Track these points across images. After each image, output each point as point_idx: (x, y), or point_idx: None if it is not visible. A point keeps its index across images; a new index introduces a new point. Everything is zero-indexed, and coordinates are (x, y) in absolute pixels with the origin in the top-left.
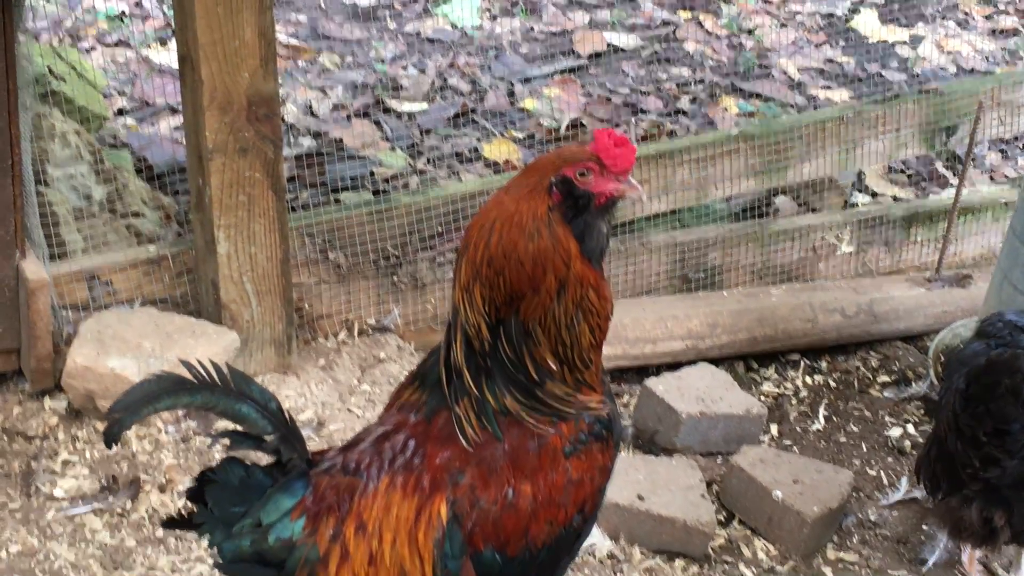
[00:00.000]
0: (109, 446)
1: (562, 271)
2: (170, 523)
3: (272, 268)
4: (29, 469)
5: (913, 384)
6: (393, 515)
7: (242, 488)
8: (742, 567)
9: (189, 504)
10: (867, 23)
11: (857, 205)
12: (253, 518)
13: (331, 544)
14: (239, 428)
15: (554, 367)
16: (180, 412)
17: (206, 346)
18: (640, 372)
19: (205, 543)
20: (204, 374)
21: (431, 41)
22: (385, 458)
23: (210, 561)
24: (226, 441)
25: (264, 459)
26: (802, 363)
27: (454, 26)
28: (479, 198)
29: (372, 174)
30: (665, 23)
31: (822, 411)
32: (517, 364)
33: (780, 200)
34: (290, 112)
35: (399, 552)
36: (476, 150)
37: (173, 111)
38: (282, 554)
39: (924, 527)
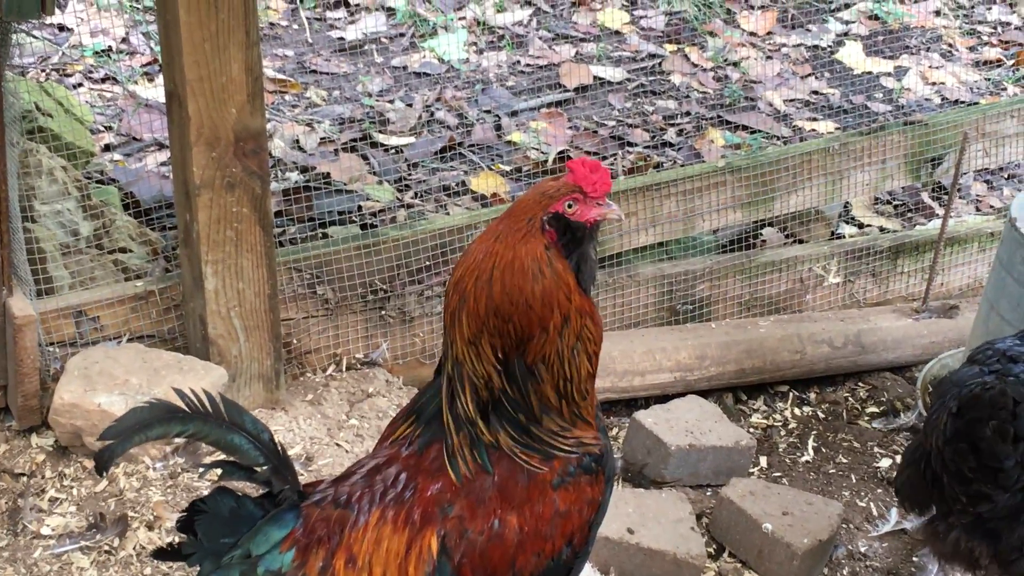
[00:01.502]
0: (100, 473)
1: (565, 305)
2: (160, 554)
3: (260, 303)
4: (16, 507)
5: (902, 415)
6: (384, 548)
7: (232, 519)
8: None
9: (179, 535)
10: (852, 55)
11: (844, 236)
12: (243, 549)
13: None
14: (230, 459)
15: (554, 402)
16: (168, 448)
17: (194, 382)
18: (629, 404)
19: None
20: (196, 403)
21: (418, 75)
22: (376, 491)
23: None
24: (217, 471)
25: (255, 491)
26: (791, 394)
27: (441, 60)
28: (467, 232)
29: (360, 208)
30: (651, 56)
31: (811, 442)
32: (519, 404)
33: (767, 232)
34: (277, 146)
35: None
36: (463, 183)
37: (160, 146)
38: None
39: (914, 559)
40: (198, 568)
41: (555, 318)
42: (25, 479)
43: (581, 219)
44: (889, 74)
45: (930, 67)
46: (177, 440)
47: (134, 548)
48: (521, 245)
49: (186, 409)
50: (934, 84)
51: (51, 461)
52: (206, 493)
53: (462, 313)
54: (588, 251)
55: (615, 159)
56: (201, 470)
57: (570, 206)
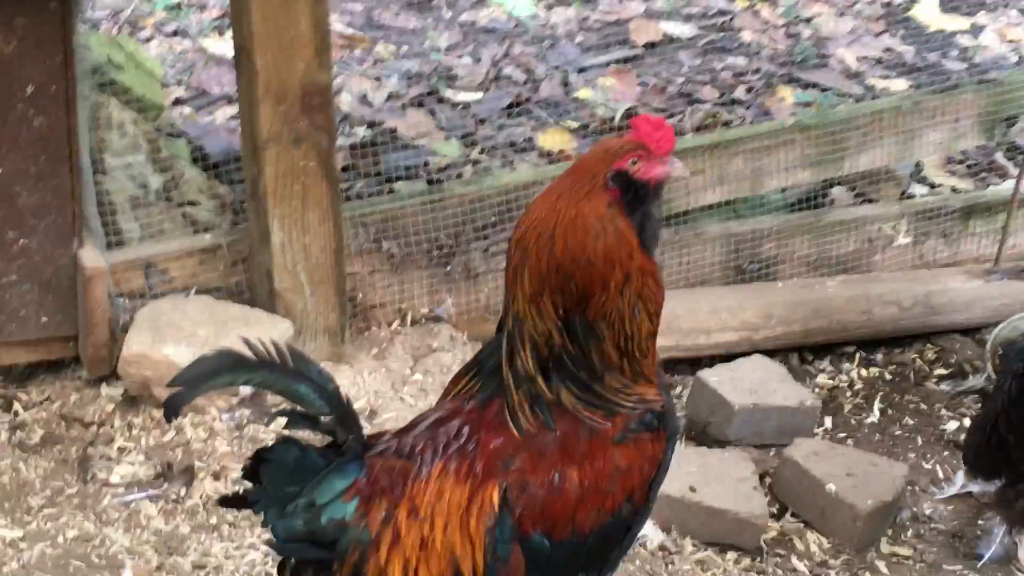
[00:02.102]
0: (169, 420)
1: (627, 264)
2: (225, 502)
3: (326, 258)
4: (85, 455)
5: (970, 377)
6: (446, 500)
7: (297, 468)
8: (794, 560)
9: (244, 483)
10: (927, 12)
11: (915, 196)
12: (307, 498)
13: (383, 527)
14: (296, 408)
15: (615, 360)
16: (234, 399)
17: (260, 334)
18: (693, 363)
19: (259, 529)
20: (264, 352)
21: (486, 31)
22: (439, 443)
23: (263, 548)
24: (283, 420)
25: (320, 441)
26: (857, 355)
27: (509, 16)
28: (533, 188)
29: (426, 164)
30: (721, 12)
31: (877, 404)
32: (581, 361)
33: (836, 191)
34: (345, 102)
35: (451, 537)
36: (530, 140)
37: (230, 101)
38: (334, 534)
39: (979, 522)
40: (263, 516)
41: (616, 276)
42: (95, 428)
43: (644, 177)
44: (965, 31)
45: (1008, 24)
46: (244, 391)
47: (200, 497)
48: (584, 202)
49: (253, 358)
50: (1012, 42)
51: (120, 411)
52: (272, 443)
53: (524, 270)
54: (651, 210)
55: (683, 117)
56: (267, 419)
57: (634, 163)
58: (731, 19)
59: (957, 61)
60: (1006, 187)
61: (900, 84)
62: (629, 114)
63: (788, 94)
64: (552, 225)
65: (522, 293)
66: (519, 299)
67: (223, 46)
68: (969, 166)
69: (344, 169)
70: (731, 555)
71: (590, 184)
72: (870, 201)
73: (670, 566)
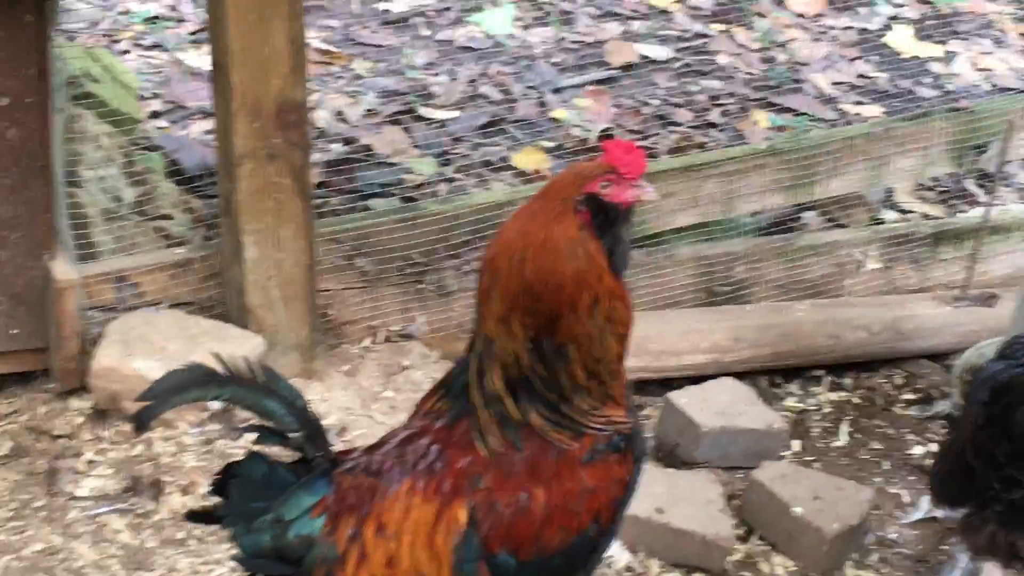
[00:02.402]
0: (138, 434)
1: (597, 287)
2: (193, 516)
3: (298, 274)
4: (53, 468)
5: (937, 403)
6: (413, 517)
7: (265, 483)
8: None
9: (212, 498)
10: (901, 39)
11: (884, 221)
12: (274, 514)
13: (350, 544)
14: (265, 424)
15: (584, 381)
16: (204, 414)
17: (231, 349)
18: (663, 385)
19: (226, 545)
20: (234, 368)
21: (463, 49)
22: (408, 461)
23: (230, 564)
24: (252, 435)
25: (289, 456)
26: (826, 379)
27: (487, 35)
28: (507, 208)
29: (401, 181)
30: (698, 35)
31: (845, 428)
32: (549, 382)
33: (808, 215)
34: (321, 118)
35: (417, 555)
36: (505, 159)
37: (206, 115)
38: (301, 551)
39: (944, 547)
40: (230, 531)
41: (585, 299)
42: (63, 441)
43: (615, 200)
44: (938, 59)
45: (980, 53)
46: (213, 406)
47: (168, 512)
48: (555, 225)
49: (223, 373)
50: (983, 70)
51: (89, 424)
52: (240, 458)
53: (494, 291)
54: (622, 233)
55: (658, 139)
56: (236, 435)
57: (604, 187)
58: (707, 43)
59: (930, 88)
60: (975, 214)
61: (873, 110)
62: (605, 135)
63: (762, 118)
64: (523, 247)
65: (492, 314)
66: (489, 320)
67: (200, 59)
68: (939, 192)
69: (319, 185)
70: None
71: (561, 207)
72: (841, 226)
73: None
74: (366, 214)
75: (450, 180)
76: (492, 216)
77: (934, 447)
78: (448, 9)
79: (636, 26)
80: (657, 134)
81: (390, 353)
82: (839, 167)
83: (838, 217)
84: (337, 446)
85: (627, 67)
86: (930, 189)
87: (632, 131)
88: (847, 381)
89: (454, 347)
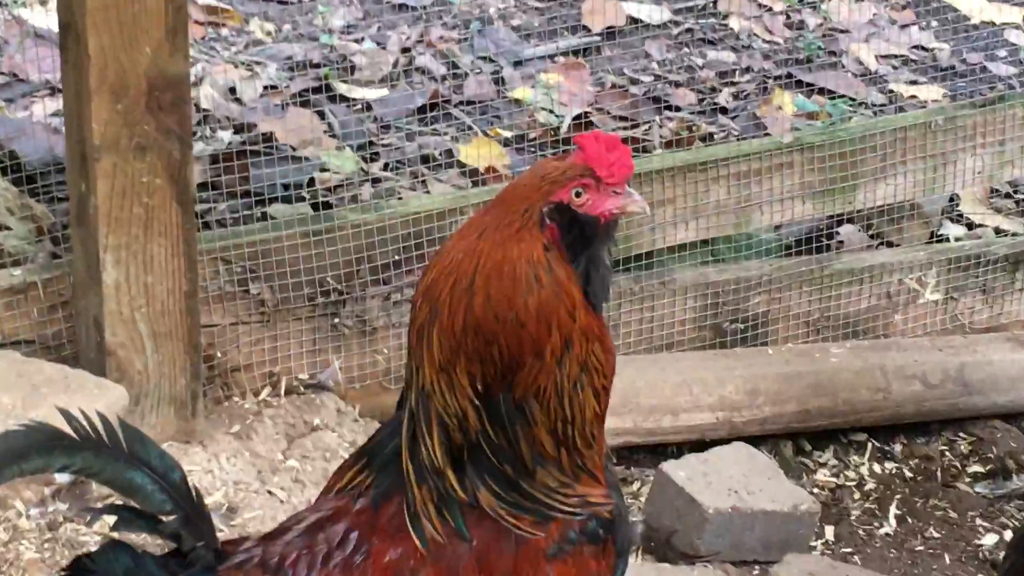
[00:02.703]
0: None
1: (567, 325)
2: None
3: (174, 304)
4: None
5: (1014, 477)
6: None
7: None
8: None
9: None
10: None
11: (948, 239)
12: None
13: None
14: (128, 503)
15: (550, 450)
16: (47, 489)
17: (84, 403)
18: (655, 452)
19: None
20: (87, 429)
21: (396, 7)
22: (318, 553)
23: None
24: (111, 519)
25: (159, 547)
26: (869, 445)
27: None
28: (451, 218)
29: (312, 181)
30: None
31: (893, 509)
32: (505, 451)
33: (846, 230)
34: (206, 96)
35: None
36: (450, 152)
37: (54, 91)
38: None
39: None
40: None
41: (553, 341)
42: None
43: (592, 212)
44: (1017, 25)
45: None
46: (60, 479)
47: None
48: (513, 244)
49: (74, 436)
50: None
51: None
52: (94, 549)
53: (433, 329)
54: (600, 254)
55: (650, 128)
56: (90, 517)
57: (578, 194)
58: (715, 1)
59: (1006, 64)
60: None
61: (932, 92)
62: (582, 123)
63: (787, 101)
64: (471, 272)
65: (429, 360)
66: (425, 368)
67: (47, 19)
68: (1018, 201)
69: (202, 187)
70: None
71: (522, 220)
72: (889, 245)
73: None
74: (265, 225)
75: (376, 180)
76: (431, 229)
77: (1008, 534)
78: None
79: None
80: (650, 122)
81: (295, 409)
82: (888, 167)
83: (886, 233)
84: (224, 532)
85: (611, 32)
86: (1007, 196)
87: (617, 117)
88: (897, 448)
89: (381, 401)
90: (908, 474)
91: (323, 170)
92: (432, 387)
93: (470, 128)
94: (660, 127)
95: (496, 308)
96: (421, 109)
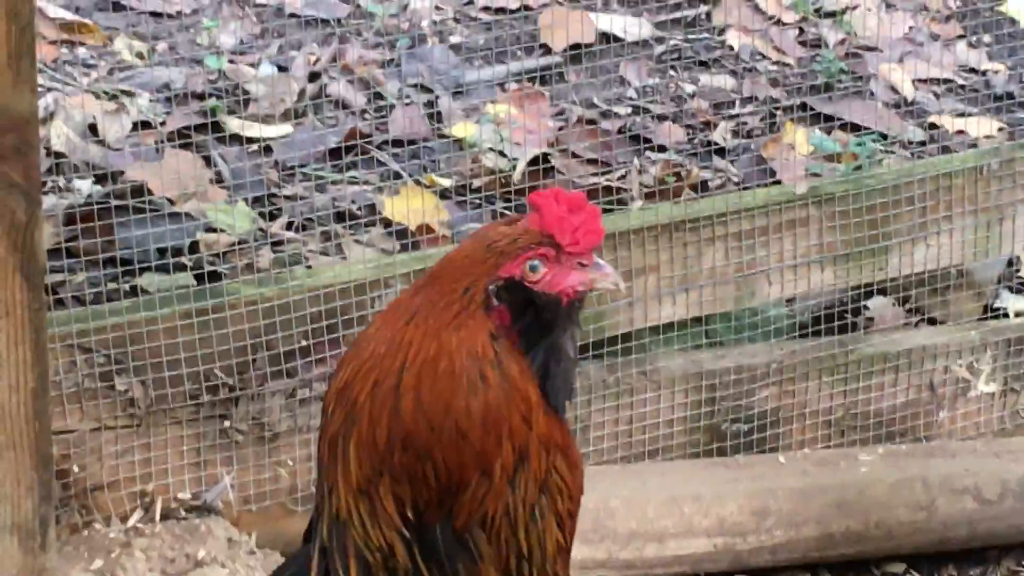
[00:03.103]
0: None
1: (521, 433)
2: None
3: (18, 405)
4: None
5: None
6: None
7: None
8: None
9: None
10: None
11: (1006, 314)
12: None
13: None
14: None
15: None
16: None
17: None
18: None
19: None
20: None
21: (301, 21)
22: None
23: None
24: None
25: None
26: None
27: None
28: (374, 292)
29: (195, 245)
30: (694, 0)
31: None
32: None
33: (876, 304)
34: (59, 137)
35: None
36: (373, 206)
37: None
38: None
39: None
40: None
41: (504, 455)
42: None
43: (551, 290)
44: None
45: None
46: None
47: None
48: (450, 332)
49: None
50: None
51: None
52: None
53: (349, 443)
54: (562, 342)
55: (628, 173)
56: None
57: (533, 268)
58: (708, 12)
59: None
60: None
61: (985, 126)
62: (539, 168)
63: (801, 139)
64: (397, 368)
65: (345, 480)
66: (340, 490)
67: None
68: None
69: (54, 253)
70: None
71: (462, 301)
72: (932, 322)
73: None
74: (135, 302)
75: (278, 243)
76: (348, 306)
77: None
78: None
79: None
80: (627, 166)
81: (174, 538)
82: (928, 224)
83: (927, 307)
84: None
85: (576, 52)
86: None
87: (586, 160)
88: None
89: (282, 527)
90: None
91: (209, 230)
92: (349, 514)
93: (398, 175)
94: (640, 172)
95: (429, 415)
96: (335, 152)
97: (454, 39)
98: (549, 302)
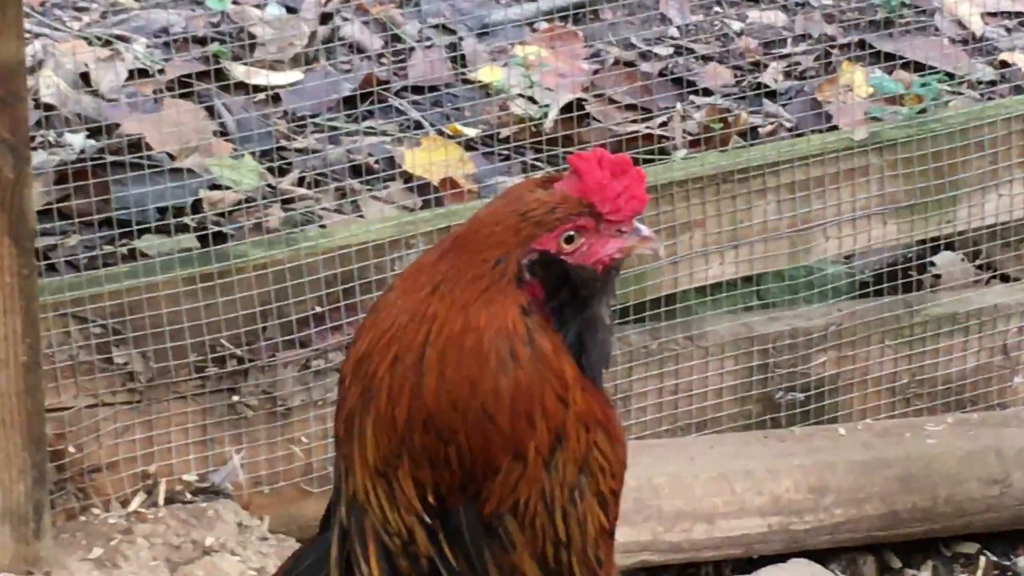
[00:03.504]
0: None
1: (557, 413)
2: None
3: (7, 380)
4: None
5: None
6: None
7: None
8: None
9: None
10: None
11: None
12: None
13: None
14: None
15: None
16: None
17: None
18: (684, 574)
19: None
20: None
21: None
22: None
23: None
24: None
25: None
26: (982, 559)
27: None
28: (393, 253)
29: (199, 203)
30: None
31: None
32: None
33: (944, 260)
34: (49, 87)
35: None
36: (391, 159)
37: None
38: None
39: None
40: None
41: (538, 438)
42: None
43: (588, 261)
44: None
45: None
46: None
47: None
48: (479, 307)
49: None
50: None
51: None
52: None
53: (367, 422)
54: (596, 312)
55: (670, 119)
56: None
57: (570, 240)
58: None
59: None
60: None
61: None
62: (573, 114)
63: (860, 80)
64: (420, 343)
65: (362, 461)
66: (357, 471)
67: None
68: None
69: (45, 214)
70: None
71: (492, 274)
72: (1005, 279)
73: None
74: (134, 267)
75: (289, 200)
76: (366, 269)
77: None
78: None
79: None
80: (669, 112)
81: (179, 523)
82: (1000, 171)
83: (999, 263)
84: None
85: None
86: None
87: (624, 107)
88: (1021, 563)
89: (297, 511)
90: None
91: (214, 187)
92: (367, 496)
93: (418, 125)
94: (683, 119)
95: (454, 395)
96: (350, 100)
97: None
98: (584, 275)
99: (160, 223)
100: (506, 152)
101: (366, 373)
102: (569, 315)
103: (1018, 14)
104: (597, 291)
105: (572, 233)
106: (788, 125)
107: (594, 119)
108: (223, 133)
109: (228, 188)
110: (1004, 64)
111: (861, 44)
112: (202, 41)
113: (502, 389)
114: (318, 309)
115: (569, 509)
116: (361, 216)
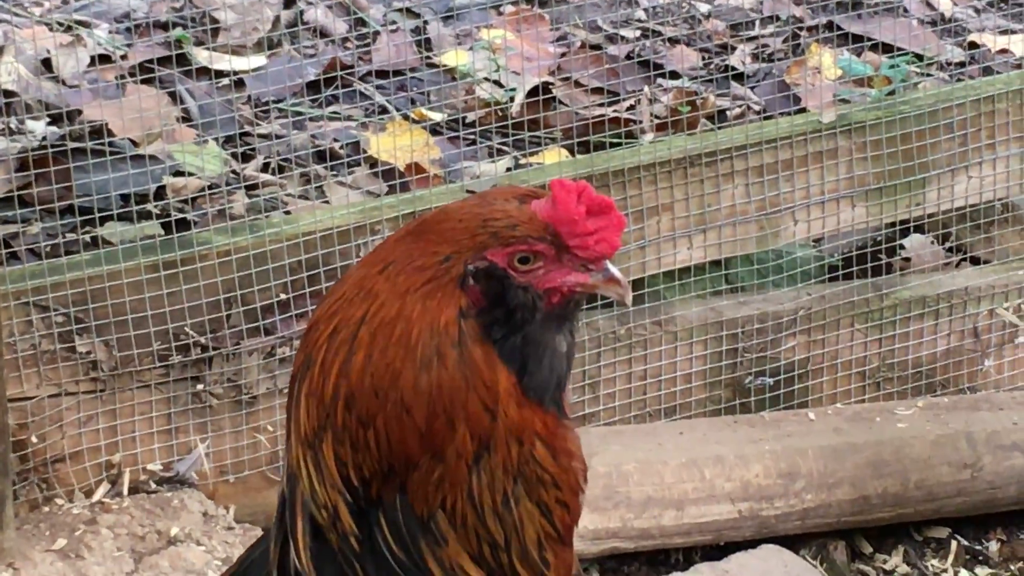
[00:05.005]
0: None
1: (482, 423)
2: None
3: None
4: None
5: None
6: None
7: None
8: None
9: None
10: None
11: None
12: None
13: None
14: None
15: None
16: None
17: None
18: (653, 562)
19: None
20: None
21: None
22: None
23: None
24: None
25: None
26: (953, 543)
27: None
28: (360, 238)
29: (162, 190)
30: None
31: None
32: (409, 571)
33: (913, 243)
34: (9, 73)
35: None
36: (357, 144)
37: None
38: None
39: None
40: None
41: (459, 441)
42: None
43: (541, 287)
44: None
45: None
46: None
47: None
48: (417, 297)
49: None
50: None
51: None
52: None
53: (302, 388)
54: (545, 337)
55: (637, 103)
56: None
57: (524, 260)
58: None
59: None
60: None
61: None
62: (538, 98)
63: (828, 62)
64: (358, 319)
65: (296, 428)
66: (292, 437)
67: None
68: None
69: (6, 202)
70: None
71: (437, 268)
72: (975, 262)
73: None
74: (96, 255)
75: (253, 187)
76: (330, 255)
77: None
78: None
79: None
80: (636, 95)
81: (144, 513)
82: (970, 153)
83: (970, 245)
84: None
85: None
86: None
87: (591, 90)
88: (992, 547)
89: (263, 500)
90: None
91: (177, 174)
92: (298, 466)
93: (384, 110)
94: (651, 102)
95: (377, 380)
96: (314, 85)
97: None
98: (525, 299)
99: (123, 210)
100: (472, 136)
101: (311, 340)
102: (497, 333)
103: None
104: (542, 318)
105: (527, 255)
106: (756, 108)
107: (561, 103)
108: (186, 119)
109: (191, 175)
110: (973, 45)
111: (829, 26)
112: (165, 26)
113: (422, 386)
114: (283, 296)
115: (504, 513)
116: (326, 202)
